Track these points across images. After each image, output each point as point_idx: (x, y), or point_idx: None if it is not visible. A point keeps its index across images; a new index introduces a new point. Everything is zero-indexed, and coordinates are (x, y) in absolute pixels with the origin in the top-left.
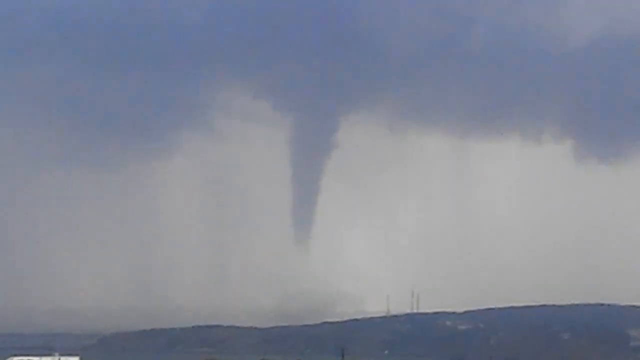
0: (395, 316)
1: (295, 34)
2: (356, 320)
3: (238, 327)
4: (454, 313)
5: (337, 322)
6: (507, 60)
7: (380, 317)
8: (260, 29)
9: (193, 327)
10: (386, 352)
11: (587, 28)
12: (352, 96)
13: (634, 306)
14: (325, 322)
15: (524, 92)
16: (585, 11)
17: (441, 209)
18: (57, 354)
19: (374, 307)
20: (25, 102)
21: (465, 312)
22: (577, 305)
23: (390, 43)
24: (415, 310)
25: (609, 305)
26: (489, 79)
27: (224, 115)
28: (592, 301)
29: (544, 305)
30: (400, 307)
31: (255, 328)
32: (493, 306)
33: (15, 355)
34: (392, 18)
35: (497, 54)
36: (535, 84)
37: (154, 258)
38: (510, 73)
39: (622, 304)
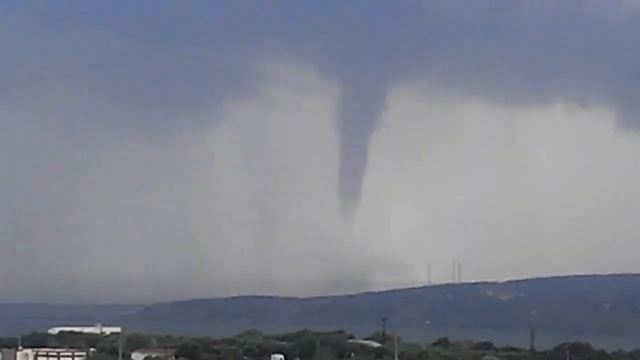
0: (437, 286)
1: (343, 3)
2: (397, 290)
3: (278, 298)
4: (495, 283)
5: (378, 292)
6: (556, 28)
7: (422, 287)
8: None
9: (233, 297)
10: (427, 322)
11: None
12: (400, 66)
13: None
14: (366, 292)
15: (570, 61)
16: None
17: (485, 179)
18: (99, 324)
19: (416, 277)
20: (74, 73)
21: (507, 282)
22: (618, 275)
23: (440, 12)
24: (456, 281)
25: None
26: (537, 48)
27: (272, 84)
28: (633, 271)
29: (585, 276)
30: (442, 277)
31: (296, 298)
32: (534, 276)
33: (57, 325)
34: None
35: (547, 22)
36: (583, 53)
37: (198, 229)
38: (559, 42)
39: None
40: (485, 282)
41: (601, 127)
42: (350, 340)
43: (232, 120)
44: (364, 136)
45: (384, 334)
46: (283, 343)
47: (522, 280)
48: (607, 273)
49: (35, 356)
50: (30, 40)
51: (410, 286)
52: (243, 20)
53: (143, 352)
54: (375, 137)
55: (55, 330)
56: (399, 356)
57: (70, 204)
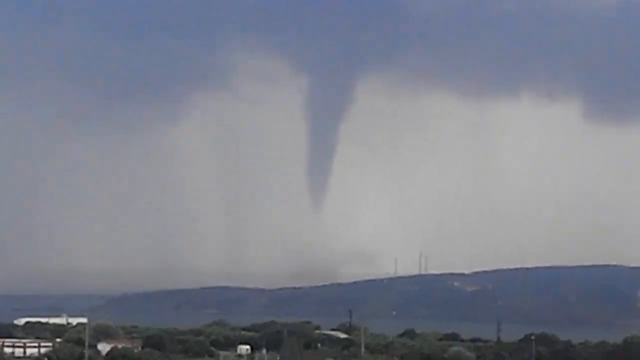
0: (404, 277)
1: None
2: (365, 281)
3: (247, 289)
4: (462, 274)
5: (346, 284)
6: (528, 21)
7: (389, 279)
8: None
9: (202, 288)
10: (394, 312)
11: None
12: (368, 58)
13: None
14: (333, 284)
15: (538, 53)
16: None
17: (454, 171)
18: (65, 315)
19: (383, 268)
20: (44, 68)
21: (473, 273)
22: (584, 266)
23: (410, 5)
24: (423, 272)
25: (616, 266)
26: (509, 40)
27: (240, 76)
28: (600, 262)
29: (552, 267)
30: (409, 268)
31: (264, 290)
32: (501, 268)
33: (24, 316)
34: None
35: (519, 14)
36: (551, 45)
37: (167, 220)
38: (530, 34)
39: (630, 265)
40: (452, 274)
41: (568, 119)
42: (317, 331)
43: (202, 112)
44: (332, 128)
45: (350, 325)
46: (250, 334)
47: (489, 272)
48: (574, 264)
49: (2, 346)
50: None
51: (377, 277)
52: (213, 13)
53: (109, 343)
54: (344, 130)
55: (22, 321)
56: (365, 347)
57: (38, 195)
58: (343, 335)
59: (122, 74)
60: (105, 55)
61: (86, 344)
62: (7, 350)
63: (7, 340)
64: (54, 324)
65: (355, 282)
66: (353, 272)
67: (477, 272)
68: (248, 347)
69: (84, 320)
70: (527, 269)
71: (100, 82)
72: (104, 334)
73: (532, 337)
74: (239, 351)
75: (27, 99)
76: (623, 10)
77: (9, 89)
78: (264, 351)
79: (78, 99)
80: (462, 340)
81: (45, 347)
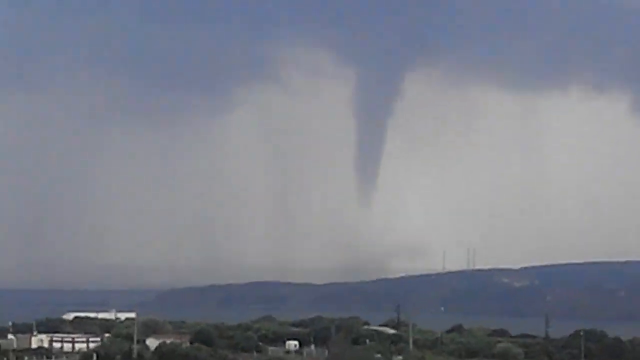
0: (452, 272)
1: None
2: (412, 276)
3: (294, 284)
4: (510, 270)
5: (393, 279)
6: (576, 13)
7: (437, 274)
8: None
9: (249, 283)
10: (442, 308)
11: None
12: (417, 52)
13: None
14: (381, 279)
15: (589, 47)
16: None
17: (501, 166)
18: (113, 310)
19: (431, 263)
20: (89, 59)
21: (522, 268)
22: (633, 262)
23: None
24: (471, 267)
25: None
26: (557, 32)
27: (289, 69)
28: None
29: (600, 263)
30: (457, 263)
31: (312, 285)
32: (549, 263)
33: (72, 311)
34: None
35: (567, 7)
36: (602, 38)
37: (214, 215)
38: (578, 27)
39: None
40: (500, 269)
41: (616, 112)
42: (365, 327)
43: (249, 104)
44: (380, 122)
45: (398, 321)
46: (298, 329)
47: (537, 267)
48: (623, 260)
49: (50, 341)
50: (41, 27)
51: (425, 272)
52: (260, 5)
53: (158, 338)
54: (392, 124)
55: (70, 316)
56: (413, 342)
57: (85, 190)
58: (391, 331)
59: (170, 64)
60: (152, 45)
61: (135, 339)
62: (56, 345)
63: (55, 335)
64: (103, 319)
65: (403, 277)
66: (401, 267)
67: (525, 268)
68: (296, 342)
69: (132, 315)
70: (575, 264)
71: (148, 72)
72: (152, 329)
73: (581, 333)
74: (287, 347)
75: (72, 90)
76: None
77: (53, 79)
78: (312, 347)
79: (125, 89)
80: (511, 336)
81: (94, 342)
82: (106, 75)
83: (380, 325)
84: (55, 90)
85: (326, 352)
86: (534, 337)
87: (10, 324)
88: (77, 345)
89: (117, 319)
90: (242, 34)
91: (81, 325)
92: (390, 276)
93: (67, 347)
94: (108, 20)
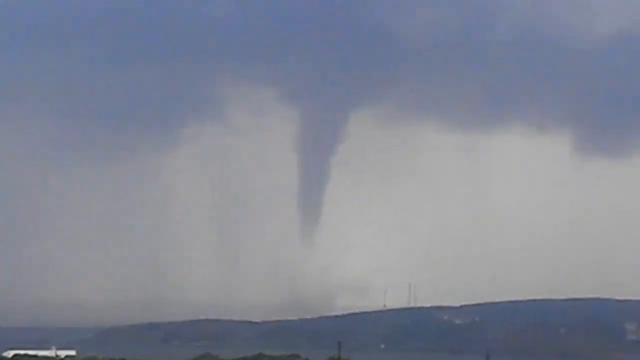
0: (393, 310)
1: (305, 25)
2: (353, 314)
3: (235, 321)
4: (451, 307)
5: (335, 316)
6: (522, 53)
7: (377, 311)
8: (269, 23)
9: (190, 321)
10: (383, 346)
11: (608, 22)
12: (360, 90)
13: (630, 300)
14: (322, 316)
15: (532, 86)
16: (607, 6)
17: (444, 204)
18: (54, 347)
19: (373, 301)
20: (36, 94)
21: (463, 306)
22: (574, 299)
23: (403, 35)
24: (412, 304)
25: (605, 299)
26: (500, 73)
27: (233, 108)
28: (589, 295)
29: (541, 300)
30: (398, 301)
31: (253, 322)
32: (490, 300)
33: (12, 349)
34: (407, 9)
35: (513, 47)
36: (545, 78)
37: (155, 252)
38: (522, 66)
39: (619, 298)
40: (441, 306)
41: (558, 150)
42: None
43: (194, 143)
44: (323, 160)
45: (339, 358)
46: None
47: (478, 305)
48: (564, 297)
49: None
50: None
51: (366, 310)
52: (203, 43)
53: None
54: (335, 162)
55: (10, 354)
56: None
57: (26, 226)
58: None
59: (117, 103)
60: (100, 82)
61: None
62: None
63: None
64: (43, 357)
65: (344, 315)
66: (343, 304)
67: (466, 305)
68: None
69: (72, 352)
70: (516, 301)
71: (96, 109)
72: None
73: None
74: None
75: (17, 125)
76: (616, 43)
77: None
78: None
79: (69, 128)
80: None
81: None
82: (55, 110)
83: None
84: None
85: None
86: None
87: None
88: None
89: (57, 356)
90: (189, 73)
91: None
92: (332, 313)
93: None
94: (56, 58)
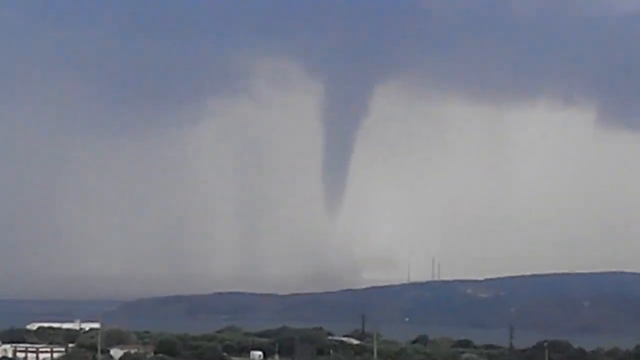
0: (417, 283)
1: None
2: (377, 287)
3: (260, 294)
4: (474, 281)
5: (358, 289)
6: (548, 27)
7: (401, 285)
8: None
9: (215, 294)
10: (407, 319)
11: None
12: (385, 64)
13: None
14: (346, 289)
15: (557, 59)
16: None
17: (468, 177)
18: (78, 320)
19: (397, 274)
20: (59, 71)
21: (486, 280)
22: (597, 273)
23: (429, 9)
24: (436, 278)
25: (629, 273)
26: (526, 44)
27: (258, 81)
28: (613, 269)
29: (565, 274)
30: (422, 275)
31: (277, 295)
32: (514, 274)
33: (36, 321)
34: None
35: (537, 19)
36: (571, 51)
37: (180, 225)
38: (547, 39)
39: None
40: (465, 280)
41: (583, 123)
42: (330, 337)
43: (219, 116)
44: (348, 134)
45: (363, 331)
46: (262, 339)
47: (502, 278)
48: (587, 271)
49: (14, 352)
50: (18, 38)
51: (390, 283)
52: (229, 17)
53: (122, 348)
54: (360, 135)
55: (34, 326)
56: (378, 353)
57: (51, 200)
58: (356, 342)
59: (142, 76)
60: (124, 57)
61: (99, 349)
62: (20, 355)
63: (19, 345)
64: (67, 329)
65: (368, 288)
66: (367, 278)
67: (489, 279)
68: (260, 353)
69: (96, 325)
70: (539, 275)
71: (118, 83)
72: (116, 339)
73: (545, 344)
74: (251, 357)
75: (38, 102)
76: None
77: (19, 92)
78: (277, 357)
79: (91, 102)
80: (475, 347)
81: (58, 352)
82: (77, 86)
83: (345, 336)
84: (26, 98)
85: None
86: (498, 347)
87: None
88: (41, 356)
89: (81, 329)
90: (213, 46)
91: (45, 336)
92: (356, 287)
93: (31, 357)
94: (81, 33)
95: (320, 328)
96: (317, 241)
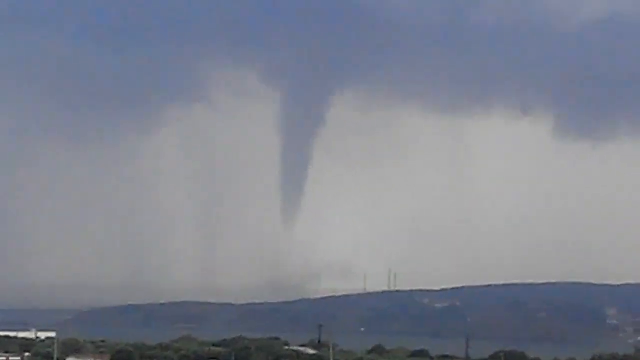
0: (373, 293)
1: (289, 8)
2: (334, 297)
3: (215, 304)
4: (431, 291)
5: (315, 299)
6: (506, 37)
7: (358, 295)
8: (252, 5)
9: (171, 303)
10: (363, 329)
11: (593, 8)
12: (343, 73)
13: (610, 285)
14: (303, 299)
15: (517, 70)
16: None
17: (424, 187)
18: (34, 329)
19: (353, 284)
20: (13, 76)
21: (442, 290)
22: (553, 283)
23: (387, 18)
24: (392, 288)
25: (585, 283)
26: (484, 56)
27: (214, 89)
28: (569, 280)
29: (521, 284)
30: (378, 285)
31: (234, 304)
32: (470, 284)
33: None
34: None
35: (498, 30)
36: (528, 61)
37: (136, 234)
38: (506, 49)
39: (599, 282)
40: (421, 290)
41: (539, 134)
42: (286, 347)
43: (176, 124)
44: (306, 143)
45: (319, 341)
46: (218, 349)
47: (458, 288)
48: (543, 281)
49: None
50: None
51: (347, 293)
52: (187, 26)
53: (78, 357)
54: (317, 144)
55: None
56: None
57: (9, 208)
58: (312, 352)
59: (99, 84)
60: (82, 65)
61: (55, 358)
62: None
63: None
64: (23, 338)
65: (325, 298)
66: (324, 287)
67: (445, 289)
68: None
69: (52, 334)
70: (496, 285)
71: (75, 91)
72: (72, 348)
73: (502, 355)
74: None
75: None
76: (601, 28)
77: None
78: None
79: (48, 110)
80: (431, 358)
81: None
82: (35, 94)
83: (301, 346)
84: None
85: None
86: (454, 358)
87: None
88: None
89: (37, 338)
90: (171, 54)
91: (1, 345)
92: (312, 296)
93: None
94: (40, 40)
95: (277, 338)
96: (274, 250)
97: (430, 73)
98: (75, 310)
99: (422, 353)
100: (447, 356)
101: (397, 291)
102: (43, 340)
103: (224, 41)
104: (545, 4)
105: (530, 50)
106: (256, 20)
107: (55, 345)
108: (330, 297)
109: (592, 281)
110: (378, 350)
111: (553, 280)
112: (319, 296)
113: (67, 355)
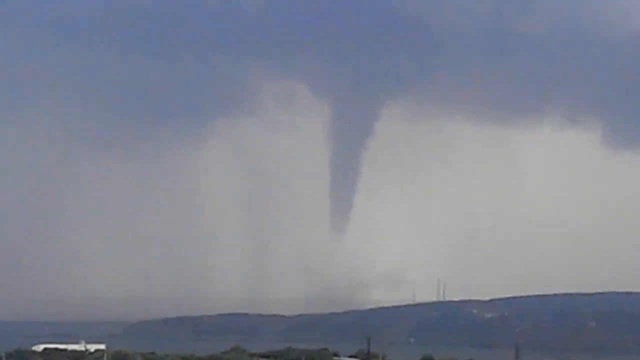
0: (422, 304)
1: (338, 19)
2: (383, 308)
3: (265, 315)
4: (480, 301)
5: (364, 310)
6: (554, 46)
7: (406, 305)
8: (301, 17)
9: (220, 314)
10: (412, 340)
11: None
12: (391, 84)
13: None
14: (352, 310)
15: (565, 80)
16: None
17: (474, 198)
18: (83, 341)
19: (402, 295)
20: (65, 91)
21: (491, 300)
22: (603, 293)
23: (437, 28)
24: (441, 299)
25: (636, 293)
26: (533, 65)
27: (266, 101)
28: (619, 289)
29: (570, 294)
30: (427, 295)
31: (283, 316)
32: (519, 294)
33: (42, 342)
34: (441, 2)
35: (546, 40)
36: (579, 71)
37: (186, 246)
38: (555, 60)
39: None
40: (470, 300)
41: (589, 143)
42: (335, 358)
43: (225, 136)
44: (354, 154)
45: (368, 352)
46: None
47: (507, 298)
48: (592, 291)
49: None
50: (22, 56)
51: (396, 304)
52: (237, 40)
53: None
54: (366, 155)
55: (40, 347)
56: None
57: (57, 222)
58: None
59: (147, 97)
60: (129, 77)
61: None
62: None
63: None
64: (73, 351)
65: (373, 309)
66: (373, 298)
67: (494, 299)
68: None
69: (102, 346)
70: (544, 295)
71: (124, 104)
72: None
73: None
74: None
75: (45, 120)
76: None
77: (26, 108)
78: None
79: (96, 122)
80: None
81: None
82: (84, 107)
83: (350, 357)
84: (27, 119)
85: None
86: None
87: None
88: None
89: (86, 350)
90: (219, 66)
91: (51, 357)
92: (361, 307)
93: None
94: (82, 52)
95: (326, 349)
96: (323, 261)
97: (479, 83)
98: (124, 322)
99: None
100: None
101: (446, 301)
102: (92, 353)
103: (273, 52)
104: (595, 13)
105: (580, 59)
106: (305, 32)
107: (105, 357)
108: (380, 307)
109: None
110: None
111: (603, 290)
112: (368, 307)
113: None
